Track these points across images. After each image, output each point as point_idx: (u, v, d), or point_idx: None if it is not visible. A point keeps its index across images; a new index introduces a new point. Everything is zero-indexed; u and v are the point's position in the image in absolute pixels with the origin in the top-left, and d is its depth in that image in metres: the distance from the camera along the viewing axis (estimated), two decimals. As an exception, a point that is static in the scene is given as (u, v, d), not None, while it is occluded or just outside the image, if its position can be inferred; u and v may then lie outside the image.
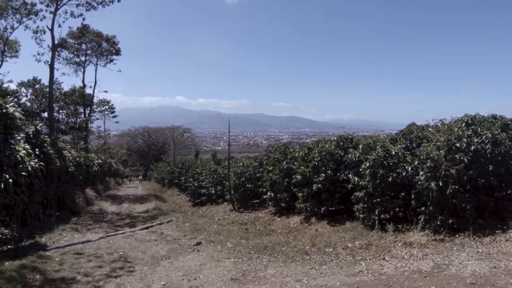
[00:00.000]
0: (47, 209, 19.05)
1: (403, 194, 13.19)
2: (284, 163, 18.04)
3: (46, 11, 31.96)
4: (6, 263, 10.55)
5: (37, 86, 42.23)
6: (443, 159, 11.37)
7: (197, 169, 30.44)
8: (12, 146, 13.87)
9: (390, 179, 12.54)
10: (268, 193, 18.88)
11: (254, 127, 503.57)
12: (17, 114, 13.69)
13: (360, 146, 14.65)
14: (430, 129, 14.03)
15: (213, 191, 25.88)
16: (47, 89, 37.47)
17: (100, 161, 42.72)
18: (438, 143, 11.69)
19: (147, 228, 17.38)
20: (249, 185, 21.76)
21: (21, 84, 42.02)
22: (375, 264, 9.62)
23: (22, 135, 15.80)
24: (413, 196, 12.19)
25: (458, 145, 11.15)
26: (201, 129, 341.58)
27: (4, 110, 12.95)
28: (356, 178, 13.72)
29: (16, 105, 14.20)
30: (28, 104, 39.15)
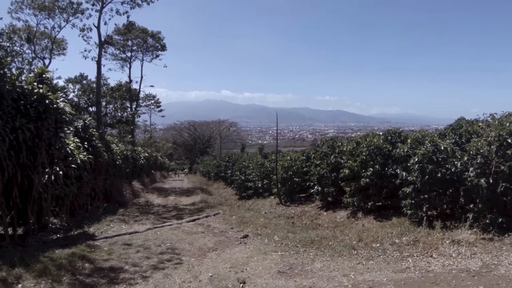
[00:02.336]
0: (95, 200, 19.45)
1: (451, 190, 12.81)
2: (332, 157, 17.88)
3: (92, 9, 32.92)
4: (57, 251, 10.83)
5: (84, 82, 43.20)
6: (494, 155, 11.02)
7: (244, 163, 30.39)
8: (62, 140, 14.14)
9: (439, 175, 12.22)
10: (316, 187, 18.76)
11: (299, 121, 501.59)
12: (67, 109, 13.98)
13: (409, 140, 14.33)
14: (480, 124, 13.64)
15: (259, 185, 25.81)
16: (94, 85, 38.46)
17: (147, 155, 43.36)
18: (489, 139, 11.31)
19: (193, 220, 17.55)
20: (296, 179, 21.63)
21: (68, 81, 43.05)
22: (422, 261, 9.45)
23: (71, 129, 16.11)
24: (461, 193, 11.77)
25: (509, 140, 10.76)
26: (247, 123, 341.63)
27: (55, 105, 13.19)
28: (404, 173, 13.45)
29: (66, 100, 14.51)
30: (76, 99, 39.97)
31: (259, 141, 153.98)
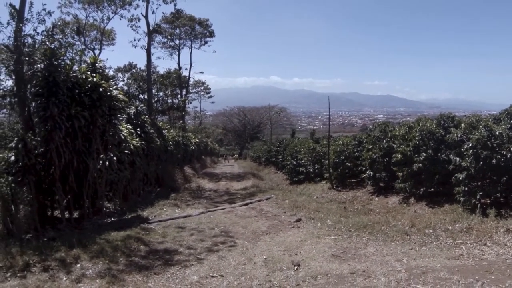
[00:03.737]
0: (147, 185, 19.83)
1: (505, 178, 12.38)
2: (384, 141, 17.62)
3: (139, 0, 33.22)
4: (112, 234, 11.19)
5: (133, 70, 43.98)
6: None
7: (295, 148, 30.18)
8: (116, 126, 14.52)
9: (493, 161, 11.81)
10: (367, 172, 18.56)
11: (348, 106, 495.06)
12: (120, 96, 14.37)
13: (463, 125, 13.90)
14: (537, 109, 13.22)
15: (311, 169, 25.67)
16: (143, 73, 39.24)
17: (197, 140, 43.82)
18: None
19: (246, 204, 17.73)
20: (348, 164, 21.47)
21: (118, 70, 43.82)
22: (476, 249, 9.33)
23: (124, 116, 16.42)
24: (516, 181, 11.52)
25: None
26: (296, 109, 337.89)
27: (108, 93, 13.53)
28: (458, 159, 13.10)
29: (117, 88, 14.88)
30: (125, 88, 40.69)
31: (309, 126, 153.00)
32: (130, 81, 42.64)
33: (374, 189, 18.81)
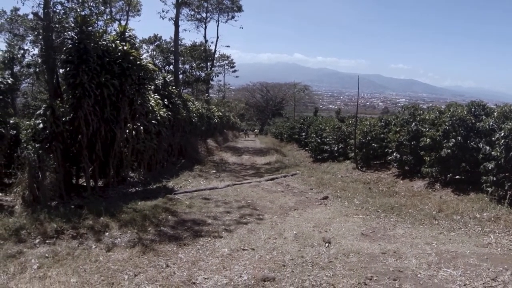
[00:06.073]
0: (171, 156, 19.86)
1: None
2: (413, 124, 17.42)
3: (169, -30, 33.13)
4: (139, 203, 11.28)
5: (157, 42, 44.00)
6: None
7: (320, 126, 29.97)
8: (144, 96, 14.54)
9: (525, 153, 11.67)
10: (394, 154, 18.38)
11: (371, 88, 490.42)
12: (150, 66, 14.30)
13: (495, 114, 13.64)
14: None
15: (335, 148, 25.52)
16: (168, 45, 39.20)
17: (220, 114, 43.80)
18: None
19: (272, 179, 17.78)
20: (374, 145, 21.31)
21: (142, 41, 43.81)
22: (504, 238, 9.23)
23: (152, 85, 16.41)
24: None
25: None
26: (318, 87, 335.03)
27: (138, 62, 13.47)
28: (488, 148, 12.91)
29: (147, 58, 14.86)
30: (149, 59, 40.81)
31: (330, 106, 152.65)
32: (154, 53, 42.64)
33: (399, 172, 18.68)
